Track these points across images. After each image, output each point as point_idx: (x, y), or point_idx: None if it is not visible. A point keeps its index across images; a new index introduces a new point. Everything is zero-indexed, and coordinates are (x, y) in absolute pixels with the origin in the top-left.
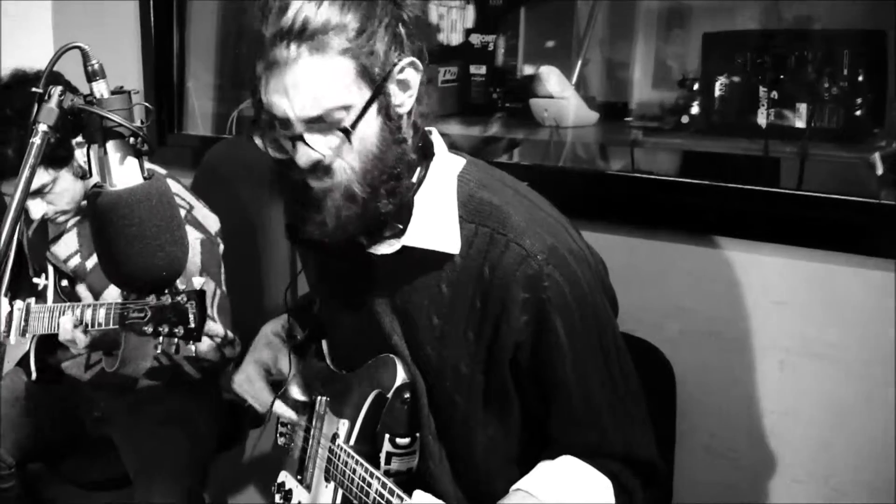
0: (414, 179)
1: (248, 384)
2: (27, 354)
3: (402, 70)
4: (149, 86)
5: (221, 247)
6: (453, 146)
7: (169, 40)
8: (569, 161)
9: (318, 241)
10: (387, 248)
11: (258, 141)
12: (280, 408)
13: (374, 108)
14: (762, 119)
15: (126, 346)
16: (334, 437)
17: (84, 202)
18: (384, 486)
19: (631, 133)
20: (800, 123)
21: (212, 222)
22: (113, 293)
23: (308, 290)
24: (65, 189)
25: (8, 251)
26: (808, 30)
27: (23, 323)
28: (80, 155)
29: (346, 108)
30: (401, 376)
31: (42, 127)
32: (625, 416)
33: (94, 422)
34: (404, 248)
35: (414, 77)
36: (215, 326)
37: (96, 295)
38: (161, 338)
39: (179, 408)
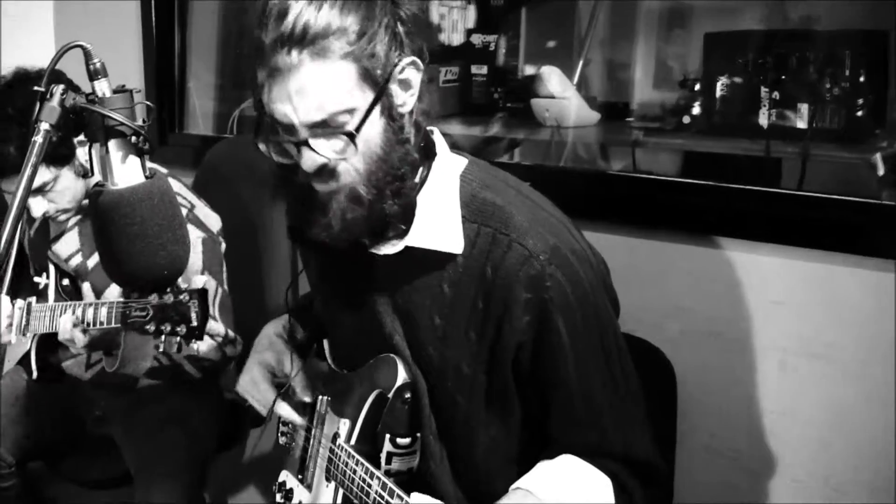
0: (416, 179)
1: (253, 386)
2: (28, 353)
3: (402, 70)
4: (150, 85)
5: (223, 245)
6: (455, 146)
7: (170, 40)
8: (570, 161)
9: (321, 241)
10: (389, 248)
11: (262, 147)
12: (282, 408)
13: (377, 109)
14: (763, 119)
15: (126, 345)
16: (335, 436)
17: (85, 201)
18: (384, 485)
19: (632, 133)
20: (801, 124)
21: (213, 221)
22: (114, 292)
23: (309, 290)
24: (66, 187)
25: (10, 249)
26: (810, 30)
27: (23, 322)
28: (81, 153)
29: (350, 111)
30: (402, 376)
31: (44, 125)
32: (625, 416)
33: (94, 421)
34: (407, 248)
35: (415, 76)
36: (216, 326)
37: (98, 294)
38: (163, 336)
39: (180, 407)
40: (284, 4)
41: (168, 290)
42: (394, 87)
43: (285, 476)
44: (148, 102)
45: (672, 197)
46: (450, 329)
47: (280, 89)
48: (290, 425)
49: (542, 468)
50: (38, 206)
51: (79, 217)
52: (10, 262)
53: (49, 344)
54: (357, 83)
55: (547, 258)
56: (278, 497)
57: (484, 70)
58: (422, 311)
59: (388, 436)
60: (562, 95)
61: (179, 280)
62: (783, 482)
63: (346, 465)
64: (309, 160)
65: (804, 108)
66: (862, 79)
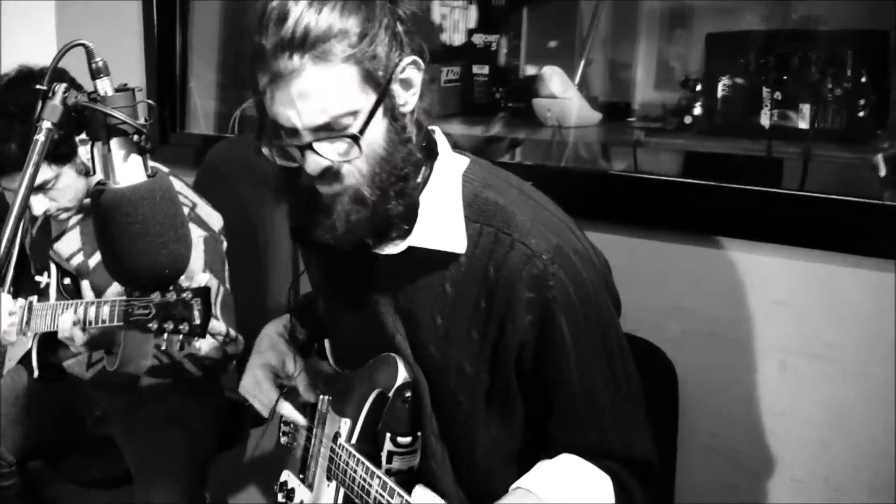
0: (419, 179)
1: (256, 387)
2: (29, 353)
3: (404, 70)
4: (151, 84)
5: (225, 244)
6: (456, 146)
7: (171, 39)
8: (571, 161)
9: (325, 242)
10: (392, 248)
11: (265, 151)
12: (285, 408)
13: (379, 110)
14: (765, 120)
15: (126, 344)
16: (336, 436)
17: (87, 200)
18: (385, 485)
19: (633, 133)
20: (803, 124)
21: (215, 220)
22: (116, 291)
23: (310, 289)
24: (67, 186)
25: (11, 248)
26: (812, 30)
27: (24, 321)
28: (83, 152)
29: (353, 113)
30: (402, 375)
31: (46, 124)
32: (626, 416)
33: (94, 420)
34: (409, 248)
35: (416, 75)
36: (218, 324)
37: (99, 293)
38: (165, 335)
39: (180, 407)
40: (284, 8)
41: (171, 288)
42: (395, 88)
43: (287, 476)
44: (150, 101)
45: (673, 197)
46: (452, 329)
47: (282, 94)
48: (291, 425)
49: (543, 467)
50: (39, 205)
51: (80, 216)
52: (12, 259)
53: (50, 343)
54: (359, 85)
55: (550, 258)
56: (280, 497)
57: (485, 70)
58: (424, 311)
59: (388, 435)
60: (563, 95)
61: (181, 279)
62: (783, 482)
63: (347, 465)
64: (313, 163)
65: (806, 108)
66: (864, 79)
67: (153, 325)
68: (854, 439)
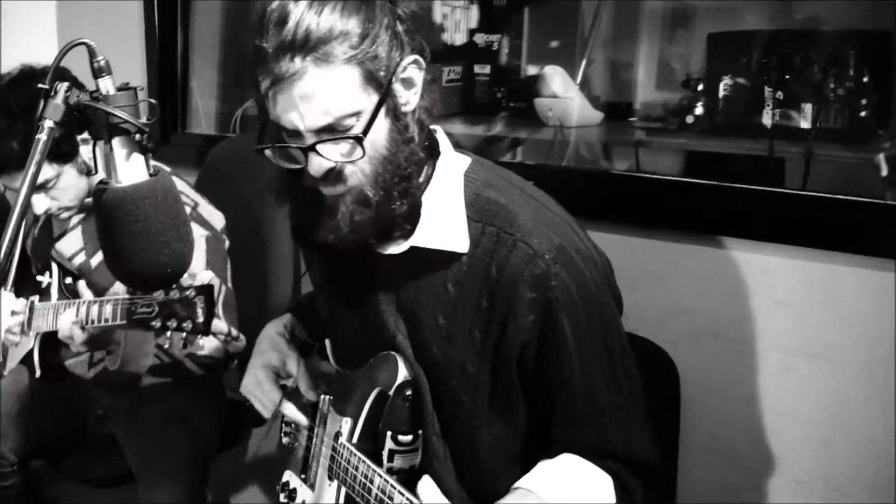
0: (422, 179)
1: (257, 387)
2: (31, 352)
3: (405, 69)
4: (153, 85)
5: (227, 243)
6: (458, 145)
7: (173, 39)
8: (572, 161)
9: (328, 243)
10: (395, 248)
11: (267, 153)
12: (287, 409)
13: (382, 110)
14: (767, 119)
15: (127, 343)
16: (337, 435)
17: (88, 199)
18: (385, 483)
19: (635, 133)
20: (805, 124)
21: (217, 219)
22: (118, 290)
23: (311, 289)
24: (69, 185)
25: (13, 247)
26: (814, 30)
27: (26, 321)
28: (84, 151)
29: (356, 114)
30: (402, 373)
31: (48, 123)
32: (627, 416)
33: (96, 419)
34: (412, 247)
35: (417, 74)
36: (220, 324)
37: (101, 292)
38: (169, 333)
39: (182, 406)
40: (284, 10)
41: (173, 286)
42: (397, 87)
43: (289, 476)
44: (151, 100)
45: (675, 197)
46: (454, 328)
47: (285, 97)
48: (292, 425)
49: (544, 467)
50: (40, 203)
51: (82, 215)
52: (14, 257)
53: (52, 343)
54: (361, 86)
55: (552, 257)
56: (282, 497)
57: (487, 70)
58: (426, 311)
59: (389, 433)
60: (565, 95)
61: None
62: (784, 482)
63: (349, 464)
64: (316, 165)
65: (808, 108)
66: (866, 79)
67: (156, 324)
68: (855, 439)
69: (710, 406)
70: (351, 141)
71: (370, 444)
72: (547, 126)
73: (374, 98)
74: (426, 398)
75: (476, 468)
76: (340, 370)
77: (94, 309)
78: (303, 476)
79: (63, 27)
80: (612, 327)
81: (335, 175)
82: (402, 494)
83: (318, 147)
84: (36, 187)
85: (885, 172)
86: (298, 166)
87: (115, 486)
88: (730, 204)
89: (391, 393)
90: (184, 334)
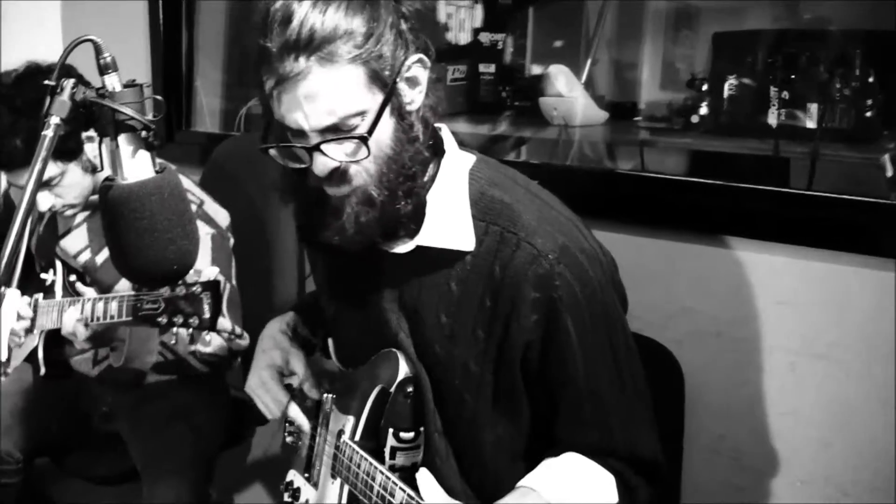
0: (426, 178)
1: (262, 388)
2: (35, 350)
3: (409, 68)
4: (157, 83)
5: (231, 241)
6: (462, 144)
7: (178, 38)
8: (577, 160)
9: (334, 244)
10: (400, 247)
11: (272, 152)
12: (293, 410)
13: (387, 110)
14: (773, 119)
15: (131, 340)
16: (340, 433)
17: (94, 197)
18: (387, 480)
19: (639, 133)
20: (810, 124)
21: (222, 217)
22: (123, 288)
23: (314, 287)
24: (73, 183)
25: (20, 243)
26: (820, 30)
27: (31, 318)
28: (89, 149)
29: (361, 114)
30: (403, 370)
31: (54, 119)
32: (631, 415)
33: (101, 417)
34: (417, 246)
35: (422, 73)
36: (224, 321)
37: (106, 290)
38: (175, 329)
39: (185, 403)
40: (288, 10)
41: (179, 283)
42: (402, 86)
43: (293, 475)
44: (158, 97)
45: (679, 196)
46: (457, 327)
47: (289, 96)
48: (296, 425)
49: (547, 466)
50: (44, 201)
51: (87, 213)
52: (20, 254)
53: (56, 340)
54: (366, 85)
55: (556, 257)
56: (286, 496)
57: (492, 69)
58: (429, 309)
59: (391, 430)
60: (569, 94)
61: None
62: (788, 483)
63: (351, 462)
64: (321, 165)
65: (813, 107)
66: (871, 79)
67: (162, 320)
68: (859, 439)
69: (715, 406)
70: (355, 140)
71: (372, 442)
72: (551, 125)
73: (379, 97)
74: (427, 395)
75: (480, 466)
76: (343, 369)
77: (100, 306)
78: (306, 475)
79: (67, 26)
80: (616, 327)
81: (340, 174)
82: (404, 491)
83: (323, 146)
84: (40, 185)
85: (890, 173)
86: (303, 165)
87: (119, 484)
88: (735, 204)
89: (393, 390)
90: (190, 330)
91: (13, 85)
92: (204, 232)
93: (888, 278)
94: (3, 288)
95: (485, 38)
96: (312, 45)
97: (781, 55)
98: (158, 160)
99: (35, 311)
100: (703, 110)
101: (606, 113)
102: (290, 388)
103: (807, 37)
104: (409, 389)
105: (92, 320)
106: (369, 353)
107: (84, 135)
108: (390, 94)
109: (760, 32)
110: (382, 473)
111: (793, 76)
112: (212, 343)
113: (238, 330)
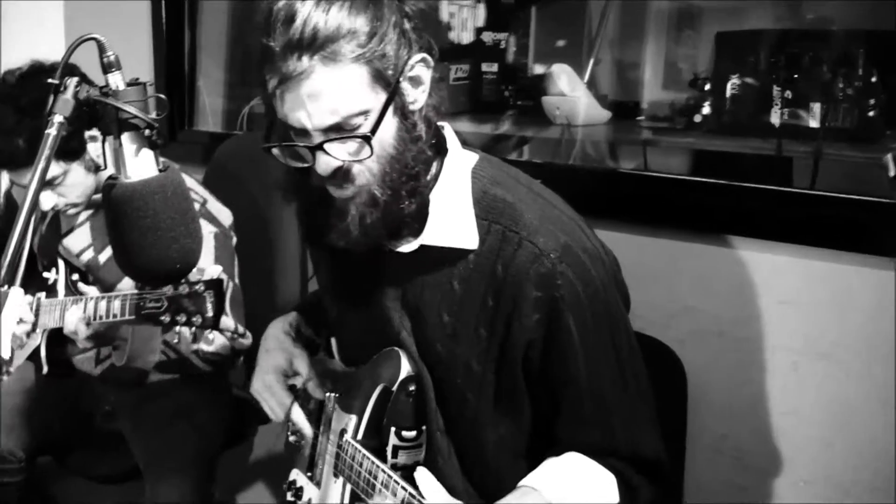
0: (429, 177)
1: (267, 390)
2: (37, 349)
3: (412, 67)
4: (160, 82)
5: (234, 240)
6: (465, 143)
7: (180, 38)
8: (579, 159)
9: (339, 245)
10: (404, 246)
11: (275, 152)
12: (296, 413)
13: (390, 109)
14: (776, 118)
15: (134, 339)
16: (342, 432)
17: (96, 196)
18: (389, 478)
19: (642, 132)
20: (813, 123)
21: (225, 216)
22: (126, 287)
23: (317, 287)
24: (76, 182)
25: (23, 241)
26: (823, 30)
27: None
28: (92, 149)
29: (364, 113)
30: (405, 369)
31: (58, 118)
32: (633, 415)
33: (103, 416)
34: (421, 246)
35: (425, 72)
36: (227, 320)
37: (109, 289)
38: (178, 327)
39: (188, 402)
40: (291, 9)
41: (182, 281)
42: (405, 86)
43: (296, 475)
44: (161, 95)
45: (682, 195)
46: (459, 326)
47: (292, 95)
48: (299, 424)
49: (548, 466)
50: (47, 200)
51: (90, 212)
52: (24, 252)
53: (59, 339)
54: (369, 85)
55: (558, 256)
56: (289, 496)
57: (494, 68)
58: (431, 308)
59: (393, 429)
60: (572, 94)
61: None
62: (793, 483)
63: (353, 460)
64: (324, 164)
65: (816, 107)
66: (874, 79)
67: (165, 318)
68: (859, 439)
69: (717, 405)
70: (359, 140)
71: (375, 441)
72: (554, 124)
73: (382, 97)
74: (430, 394)
75: (482, 465)
76: (346, 368)
77: (102, 304)
78: (309, 474)
79: (70, 25)
80: (619, 326)
81: (343, 174)
82: (405, 490)
83: (326, 146)
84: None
85: (892, 172)
86: (306, 165)
87: (121, 483)
88: (737, 203)
89: (395, 389)
90: (193, 329)
91: (17, 84)
92: (207, 231)
93: (891, 278)
94: (6, 287)
95: (487, 37)
96: (315, 44)
97: (784, 55)
98: (161, 159)
99: (37, 310)
100: (706, 110)
101: (609, 112)
102: (293, 389)
103: (809, 37)
104: (412, 388)
105: (94, 319)
106: (372, 352)
107: (87, 134)
108: (393, 94)
109: (763, 32)
110: (384, 472)
111: (795, 76)
112: (214, 342)
113: (241, 329)
